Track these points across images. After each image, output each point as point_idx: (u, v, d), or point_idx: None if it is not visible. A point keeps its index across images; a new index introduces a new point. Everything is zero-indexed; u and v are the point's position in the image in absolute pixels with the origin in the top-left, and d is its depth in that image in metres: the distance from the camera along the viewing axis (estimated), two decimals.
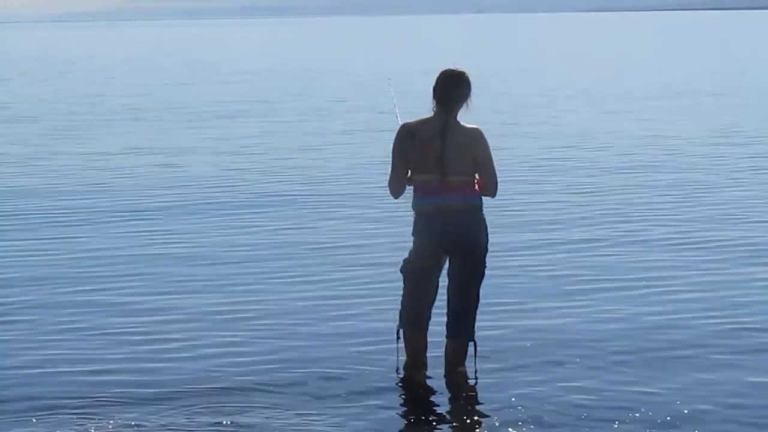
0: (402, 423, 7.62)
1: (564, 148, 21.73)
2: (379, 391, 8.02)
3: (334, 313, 10.06)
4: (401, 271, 8.18)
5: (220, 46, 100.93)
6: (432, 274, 8.13)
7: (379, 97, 31.86)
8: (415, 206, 8.07)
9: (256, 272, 11.67)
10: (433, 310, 8.20)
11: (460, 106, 7.97)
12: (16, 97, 37.84)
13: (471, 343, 8.22)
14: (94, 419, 7.51)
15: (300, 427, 7.39)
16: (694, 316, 9.89)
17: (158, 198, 16.38)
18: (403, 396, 8.06)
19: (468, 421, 7.55)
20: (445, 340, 8.24)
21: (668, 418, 7.44)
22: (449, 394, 8.07)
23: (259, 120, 28.53)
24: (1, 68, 60.83)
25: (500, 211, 12.75)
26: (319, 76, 48.31)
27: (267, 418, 7.52)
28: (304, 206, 15.61)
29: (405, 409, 7.84)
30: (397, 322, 8.28)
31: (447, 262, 8.13)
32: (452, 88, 7.95)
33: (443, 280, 8.17)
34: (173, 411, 7.63)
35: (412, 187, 8.05)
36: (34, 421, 7.52)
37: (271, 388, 8.08)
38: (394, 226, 12.88)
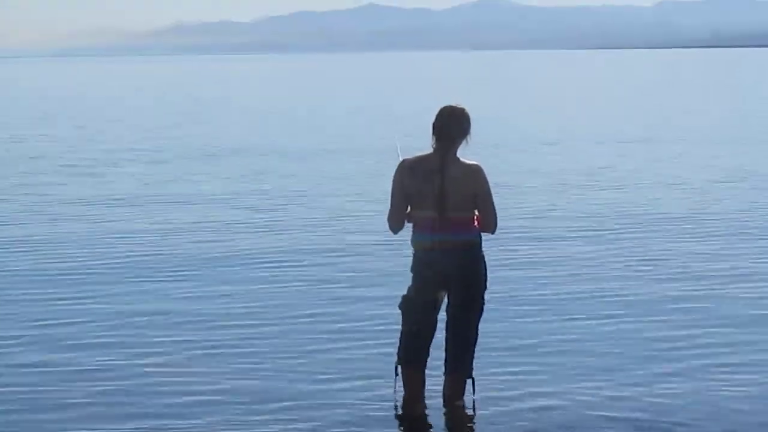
0: None
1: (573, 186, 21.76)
2: (377, 425, 8.02)
3: (333, 346, 10.07)
4: (399, 307, 8.20)
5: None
6: (431, 310, 8.15)
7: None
8: (414, 242, 8.09)
9: (256, 305, 11.68)
10: (432, 346, 8.21)
11: (460, 143, 8.01)
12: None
13: (469, 380, 8.24)
14: None
15: None
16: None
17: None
18: (401, 430, 8.06)
19: None
20: (443, 375, 8.26)
21: None
22: (447, 430, 8.08)
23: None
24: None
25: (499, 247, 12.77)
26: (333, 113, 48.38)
27: None
28: (302, 242, 15.63)
29: None
30: (396, 358, 8.30)
31: (446, 298, 8.16)
32: (452, 124, 7.99)
33: (442, 316, 8.20)
34: None
35: (411, 224, 8.08)
36: None
37: (270, 421, 8.08)
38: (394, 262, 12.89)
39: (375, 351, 9.79)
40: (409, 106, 49.24)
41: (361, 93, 72.65)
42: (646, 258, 14.19)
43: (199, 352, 9.97)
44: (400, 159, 8.13)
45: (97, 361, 9.71)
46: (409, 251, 8.14)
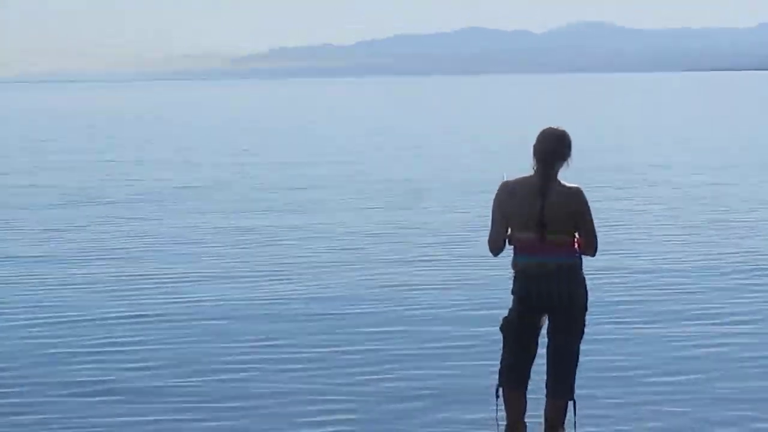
0: None
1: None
2: None
3: (434, 372, 10.10)
4: (501, 330, 8.19)
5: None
6: (531, 332, 8.12)
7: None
8: (514, 265, 8.08)
9: (339, 323, 11.79)
10: (533, 369, 8.19)
11: (560, 165, 7.99)
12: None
13: (571, 403, 8.20)
14: None
15: None
16: None
17: None
18: None
19: None
20: (545, 399, 8.22)
21: None
22: None
23: None
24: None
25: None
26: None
27: None
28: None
29: None
30: (497, 381, 8.29)
31: (546, 321, 8.13)
32: (553, 146, 7.98)
33: (543, 339, 8.17)
34: None
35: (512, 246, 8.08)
36: None
37: None
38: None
39: (476, 373, 9.77)
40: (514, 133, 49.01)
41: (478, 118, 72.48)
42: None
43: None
44: (504, 179, 8.13)
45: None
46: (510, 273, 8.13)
